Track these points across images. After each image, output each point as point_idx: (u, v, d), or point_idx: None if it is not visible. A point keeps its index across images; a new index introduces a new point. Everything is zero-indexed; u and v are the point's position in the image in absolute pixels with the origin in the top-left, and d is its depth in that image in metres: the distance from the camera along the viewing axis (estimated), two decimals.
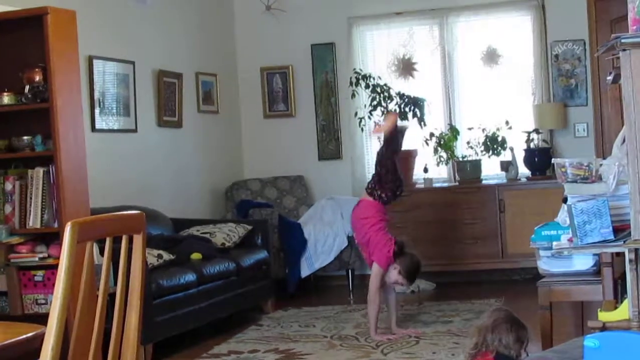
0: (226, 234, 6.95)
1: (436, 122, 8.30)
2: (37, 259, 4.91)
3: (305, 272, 7.81)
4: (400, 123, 6.65)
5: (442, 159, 8.20)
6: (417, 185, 8.14)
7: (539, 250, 4.30)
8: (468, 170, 8.03)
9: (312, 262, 7.82)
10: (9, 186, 4.96)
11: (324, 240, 7.86)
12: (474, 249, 7.79)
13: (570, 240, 3.46)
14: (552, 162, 3.89)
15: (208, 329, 6.32)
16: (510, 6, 8.28)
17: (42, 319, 2.58)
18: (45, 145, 4.93)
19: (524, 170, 8.03)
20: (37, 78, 4.88)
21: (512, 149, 8.03)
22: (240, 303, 6.67)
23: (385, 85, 8.08)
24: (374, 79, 8.13)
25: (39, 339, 2.41)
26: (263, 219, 7.64)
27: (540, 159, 7.89)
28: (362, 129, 8.36)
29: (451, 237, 7.82)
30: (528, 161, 7.96)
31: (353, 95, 8.25)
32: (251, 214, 7.99)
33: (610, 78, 3.93)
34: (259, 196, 8.40)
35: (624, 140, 3.31)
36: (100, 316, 2.45)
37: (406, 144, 6.69)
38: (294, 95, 8.79)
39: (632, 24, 3.15)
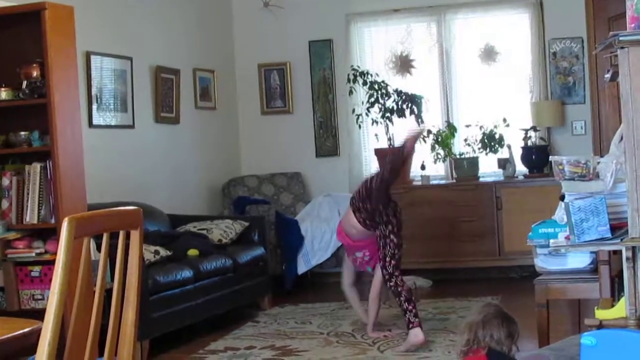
0: (223, 230, 6.94)
1: (434, 119, 8.29)
2: (34, 254, 4.91)
3: (302, 268, 7.82)
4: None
5: (439, 156, 8.20)
6: (415, 183, 8.13)
7: (536, 248, 4.30)
8: (465, 168, 8.02)
9: (309, 258, 7.82)
10: (6, 182, 4.96)
11: (320, 237, 7.85)
12: (471, 247, 7.79)
13: (567, 238, 3.47)
14: (550, 159, 3.88)
15: (205, 325, 6.31)
16: (508, 3, 8.28)
17: (39, 314, 2.58)
18: (42, 140, 4.93)
19: (521, 168, 8.03)
20: (35, 73, 4.88)
21: (509, 147, 8.03)
22: (237, 299, 6.67)
23: (383, 82, 8.05)
24: (371, 75, 8.10)
25: (36, 335, 2.41)
26: (260, 215, 7.63)
27: (538, 157, 7.89)
28: (359, 126, 8.33)
29: (448, 235, 7.81)
30: (525, 159, 7.96)
31: (350, 92, 8.23)
32: (248, 210, 8.00)
33: (608, 76, 3.93)
34: (256, 193, 8.39)
35: (621, 138, 3.32)
36: (97, 312, 2.45)
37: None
38: (291, 91, 8.78)
39: (630, 21, 3.16)
